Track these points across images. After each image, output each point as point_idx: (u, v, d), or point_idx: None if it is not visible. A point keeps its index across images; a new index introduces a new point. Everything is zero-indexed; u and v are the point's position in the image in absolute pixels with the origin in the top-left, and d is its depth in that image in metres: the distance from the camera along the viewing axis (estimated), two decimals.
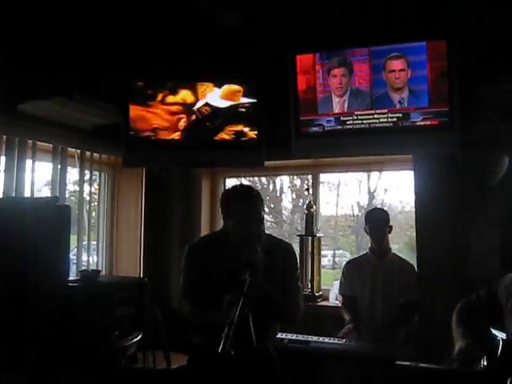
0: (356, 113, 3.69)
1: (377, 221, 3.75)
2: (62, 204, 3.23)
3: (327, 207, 5.35)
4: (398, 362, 2.08)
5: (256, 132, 3.89)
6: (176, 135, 3.88)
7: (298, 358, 3.27)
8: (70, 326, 2.49)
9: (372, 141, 3.65)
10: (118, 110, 3.77)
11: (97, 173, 4.21)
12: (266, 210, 5.48)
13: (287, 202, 6.10)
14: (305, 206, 4.39)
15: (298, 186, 5.83)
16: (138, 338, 2.97)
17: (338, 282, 3.93)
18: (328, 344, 3.33)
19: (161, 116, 3.87)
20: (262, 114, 3.88)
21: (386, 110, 3.62)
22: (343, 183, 5.37)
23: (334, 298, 4.33)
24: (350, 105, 3.69)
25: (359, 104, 3.67)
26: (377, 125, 3.64)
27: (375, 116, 3.64)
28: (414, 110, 3.56)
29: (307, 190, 4.51)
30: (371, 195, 5.58)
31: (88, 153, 4.02)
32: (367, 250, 3.88)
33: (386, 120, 3.62)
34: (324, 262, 4.97)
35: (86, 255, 4.08)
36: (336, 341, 3.37)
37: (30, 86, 3.32)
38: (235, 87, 3.90)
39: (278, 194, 6.12)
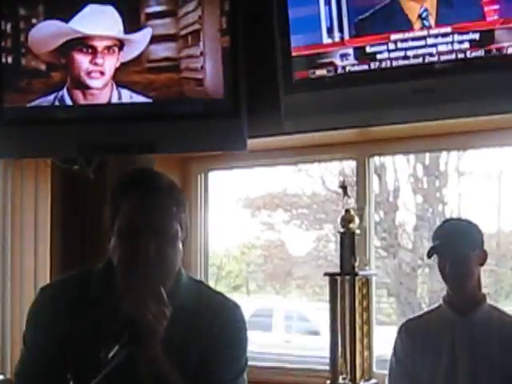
0: (394, 37, 2.02)
1: (453, 244, 2.05)
2: None
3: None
4: None
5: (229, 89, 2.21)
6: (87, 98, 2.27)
7: None
8: None
9: (428, 90, 1.97)
10: None
11: None
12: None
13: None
14: (338, 220, 2.53)
15: None
16: None
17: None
18: None
19: None
20: (239, 59, 2.20)
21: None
22: None
23: None
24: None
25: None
26: (441, 58, 1.97)
27: (431, 41, 1.98)
28: None
29: (343, 187, 2.55)
30: None
31: None
32: (440, 302, 2.23)
33: (459, 48, 1.95)
34: None
35: None
36: None
37: None
38: None
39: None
